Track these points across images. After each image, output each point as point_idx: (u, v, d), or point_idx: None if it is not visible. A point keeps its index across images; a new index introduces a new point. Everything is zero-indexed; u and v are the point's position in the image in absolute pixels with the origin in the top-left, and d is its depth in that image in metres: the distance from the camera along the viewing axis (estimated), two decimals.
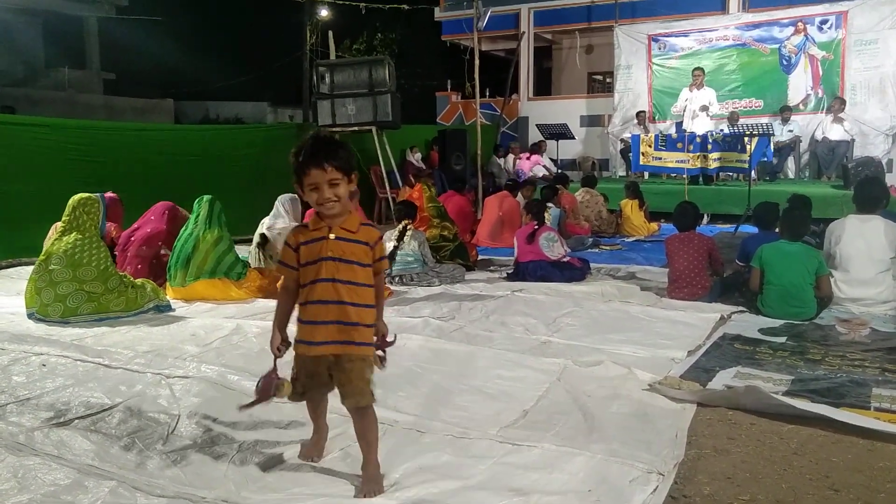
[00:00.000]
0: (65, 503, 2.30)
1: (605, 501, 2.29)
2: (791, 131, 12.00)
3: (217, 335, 4.42)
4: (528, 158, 13.73)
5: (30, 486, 2.41)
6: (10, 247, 7.00)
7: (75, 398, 3.28)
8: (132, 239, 5.81)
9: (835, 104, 11.63)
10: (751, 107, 12.83)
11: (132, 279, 5.10)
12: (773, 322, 4.61)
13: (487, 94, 15.64)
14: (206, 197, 5.65)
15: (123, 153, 8.15)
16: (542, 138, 13.76)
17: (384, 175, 10.45)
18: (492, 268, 6.99)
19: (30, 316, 4.80)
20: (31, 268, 5.02)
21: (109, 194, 6.09)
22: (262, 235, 6.23)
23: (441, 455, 2.65)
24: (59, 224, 5.00)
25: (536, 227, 6.26)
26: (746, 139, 9.62)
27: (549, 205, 7.76)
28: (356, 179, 2.42)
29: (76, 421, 3.01)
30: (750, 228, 7.94)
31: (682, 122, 12.11)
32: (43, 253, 4.89)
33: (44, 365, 3.81)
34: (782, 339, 4.24)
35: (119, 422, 3.01)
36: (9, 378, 3.58)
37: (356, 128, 10.01)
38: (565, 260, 6.21)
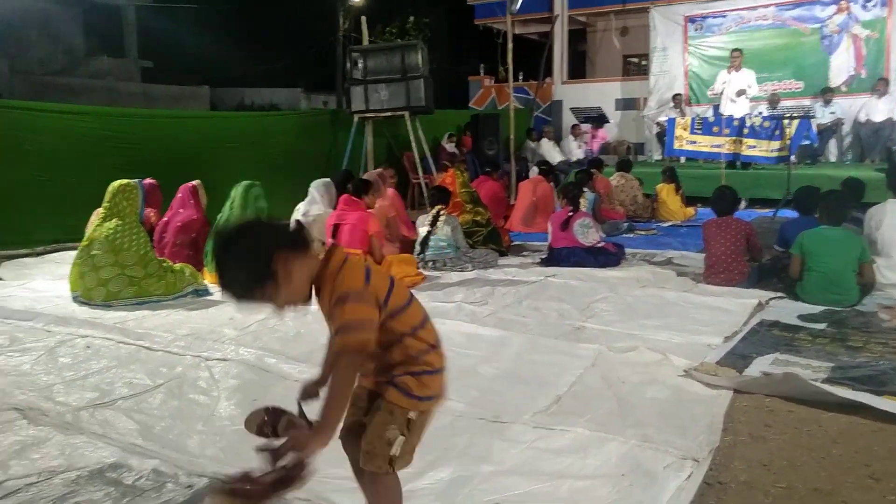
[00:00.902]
0: (110, 480, 2.38)
1: (639, 487, 2.29)
2: (833, 113, 11.68)
3: (254, 319, 4.49)
4: (593, 137, 13.47)
5: (77, 464, 2.50)
6: (53, 231, 7.19)
7: (119, 379, 3.38)
8: (168, 227, 5.89)
9: (879, 85, 11.27)
10: (791, 88, 12.51)
11: (171, 264, 5.21)
12: (813, 308, 4.53)
13: (521, 78, 15.48)
14: (243, 183, 5.72)
15: (161, 140, 8.28)
16: (577, 122, 13.62)
17: (417, 161, 10.46)
18: (525, 253, 6.97)
19: (74, 299, 4.94)
20: (73, 252, 5.16)
21: (148, 181, 6.22)
22: (298, 222, 6.30)
23: (474, 438, 2.67)
24: (100, 210, 5.12)
25: (571, 212, 6.22)
26: (786, 122, 9.39)
27: (585, 189, 7.69)
28: (286, 259, 1.64)
29: (120, 401, 3.10)
30: (789, 213, 7.78)
31: (719, 106, 11.86)
32: (85, 238, 5.02)
33: (88, 347, 3.92)
34: (822, 326, 4.16)
35: (161, 403, 3.10)
36: (55, 360, 3.70)
37: (389, 113, 10.02)
38: (600, 245, 6.16)
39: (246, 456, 2.56)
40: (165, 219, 5.97)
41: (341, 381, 1.66)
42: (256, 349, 3.78)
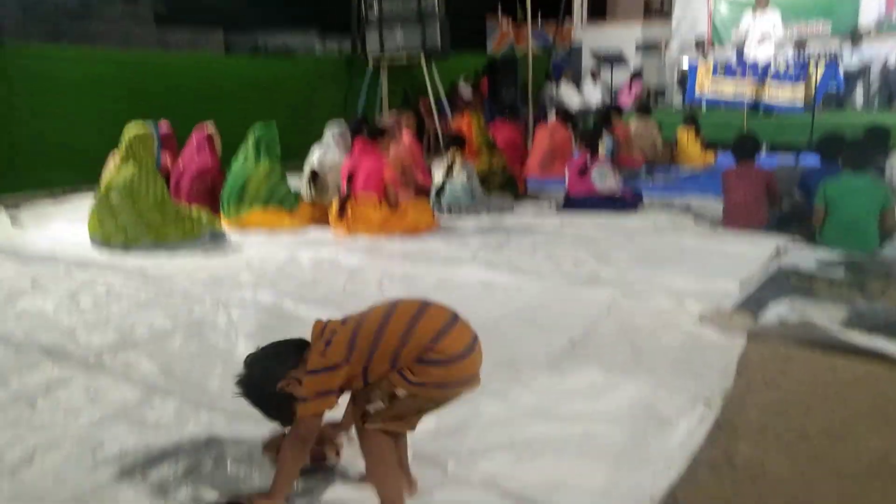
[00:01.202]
0: (134, 419, 2.44)
1: (651, 429, 2.31)
2: (861, 58, 11.32)
3: (271, 264, 4.53)
4: (629, 90, 13.17)
5: (101, 403, 2.56)
6: (71, 175, 7.23)
7: (139, 322, 3.44)
8: (183, 174, 5.89)
9: None
10: (818, 31, 12.11)
11: (188, 209, 5.24)
12: (831, 255, 4.48)
13: (540, 20, 15.12)
14: (258, 124, 5.70)
15: (175, 84, 8.25)
16: (596, 66, 13.33)
17: (433, 106, 10.33)
18: (541, 199, 6.92)
19: (93, 244, 5.00)
20: (91, 195, 5.19)
21: (163, 124, 6.20)
22: (313, 171, 6.28)
23: (489, 383, 2.69)
24: (116, 154, 5.13)
25: (590, 158, 6.14)
26: (812, 67, 9.13)
27: (604, 135, 7.58)
28: (295, 379, 1.81)
29: (141, 344, 3.16)
30: (812, 160, 7.63)
31: (742, 50, 11.52)
32: (103, 185, 5.04)
33: (108, 291, 3.98)
34: (840, 273, 4.12)
35: (181, 345, 3.15)
36: (77, 303, 3.76)
37: (404, 56, 9.85)
38: (617, 194, 6.10)
39: None
40: (180, 164, 5.97)
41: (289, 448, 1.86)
42: (274, 293, 3.82)
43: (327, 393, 1.79)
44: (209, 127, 5.97)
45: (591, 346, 3.08)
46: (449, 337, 1.76)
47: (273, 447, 2.05)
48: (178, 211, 5.11)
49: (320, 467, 2.07)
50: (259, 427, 2.34)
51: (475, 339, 1.83)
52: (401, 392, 1.74)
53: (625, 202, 6.04)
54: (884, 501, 1.93)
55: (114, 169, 5.05)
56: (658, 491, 1.97)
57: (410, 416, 1.81)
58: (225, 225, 5.51)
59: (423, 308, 1.83)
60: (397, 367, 1.75)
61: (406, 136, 6.88)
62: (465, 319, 1.86)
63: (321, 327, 1.89)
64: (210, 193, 5.87)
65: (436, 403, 1.83)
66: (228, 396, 2.62)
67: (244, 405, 2.51)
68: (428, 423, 2.32)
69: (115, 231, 4.89)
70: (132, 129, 5.07)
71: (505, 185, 6.69)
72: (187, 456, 2.18)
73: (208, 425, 2.39)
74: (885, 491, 1.98)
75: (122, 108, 7.19)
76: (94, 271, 4.34)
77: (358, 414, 1.82)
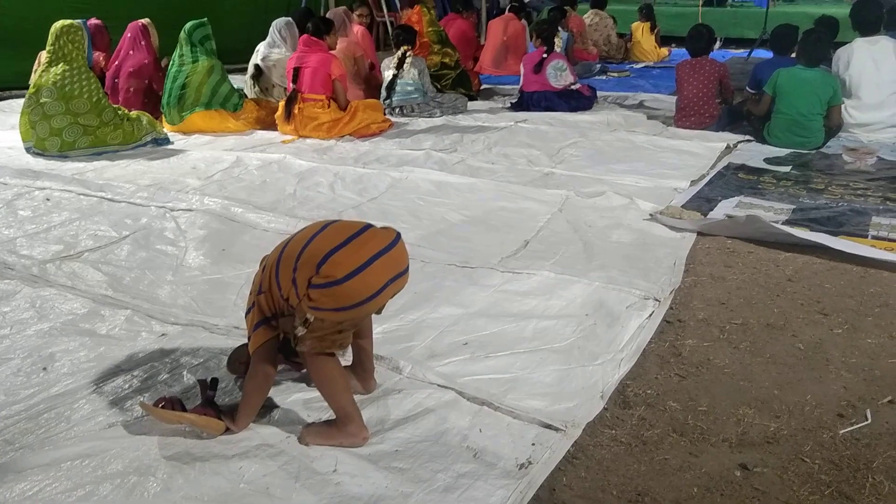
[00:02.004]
0: (83, 330, 2.40)
1: (602, 325, 2.38)
2: None
3: (218, 168, 4.40)
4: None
5: (48, 315, 2.51)
6: None
7: (82, 231, 3.33)
8: (119, 72, 5.56)
9: None
10: None
11: (127, 112, 4.99)
12: (779, 151, 4.56)
13: None
14: (186, 25, 5.35)
15: None
16: None
17: None
18: (495, 97, 6.80)
19: (27, 150, 4.75)
20: (22, 99, 4.89)
21: (92, 21, 5.80)
22: (257, 66, 6.01)
23: (443, 283, 2.72)
24: (43, 54, 4.81)
25: (545, 54, 6.00)
26: None
27: (559, 28, 7.39)
28: None
29: (86, 253, 3.08)
30: (764, 53, 7.62)
31: None
32: (32, 85, 4.74)
33: (48, 199, 3.82)
34: (787, 169, 4.21)
35: (128, 254, 3.08)
36: (15, 213, 3.61)
37: None
38: (573, 88, 6.02)
39: (217, 304, 2.60)
40: (116, 62, 5.63)
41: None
42: (222, 198, 3.72)
43: (259, 324, 1.79)
44: (144, 21, 5.61)
45: (544, 245, 3.12)
46: (336, 257, 1.67)
47: (236, 363, 2.05)
48: (117, 113, 4.86)
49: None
50: (213, 337, 2.34)
51: (381, 251, 1.71)
52: (310, 317, 1.68)
53: (580, 99, 5.98)
54: (815, 387, 2.05)
55: (42, 69, 4.73)
56: (608, 384, 2.05)
57: (332, 337, 1.73)
58: (168, 128, 5.29)
59: (322, 228, 1.77)
60: (301, 293, 1.69)
61: (357, 28, 6.59)
62: (376, 230, 1.76)
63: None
64: (148, 91, 5.57)
65: (351, 322, 1.76)
66: (181, 304, 2.60)
67: (196, 314, 2.51)
68: (384, 325, 2.35)
69: (49, 135, 4.65)
70: (59, 25, 4.73)
71: (458, 82, 6.53)
72: (141, 367, 2.16)
73: (161, 335, 2.36)
74: (817, 377, 2.10)
75: (50, 3, 6.70)
76: (31, 179, 4.15)
77: (290, 340, 1.78)
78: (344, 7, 6.72)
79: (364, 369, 2.01)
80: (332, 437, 1.80)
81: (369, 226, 1.79)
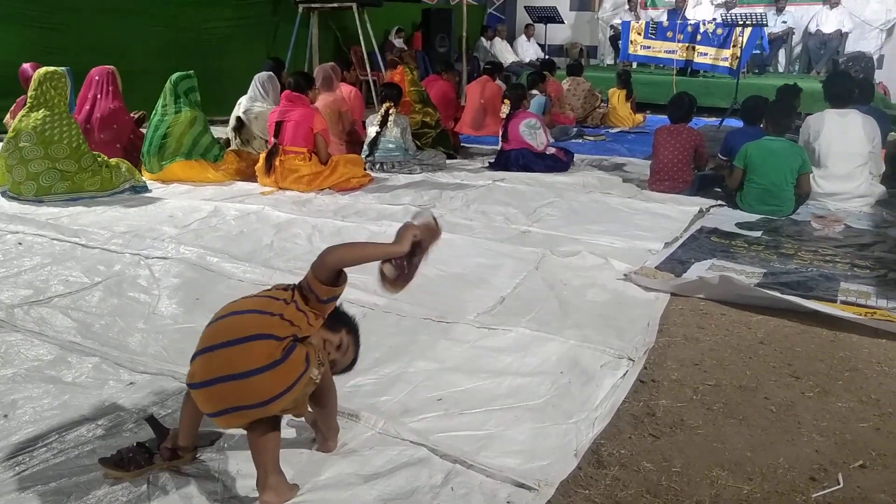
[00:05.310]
0: (49, 377, 2.34)
1: (576, 384, 2.38)
2: (785, 22, 11.67)
3: (195, 217, 4.38)
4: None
5: (13, 361, 2.44)
6: None
7: (54, 277, 3.28)
8: (90, 119, 5.51)
9: None
10: None
11: (106, 158, 4.98)
12: (750, 216, 4.67)
13: None
14: (174, 75, 5.42)
15: (83, 22, 7.73)
16: (531, 21, 13.27)
17: (365, 56, 10.08)
18: (474, 156, 6.92)
19: (2, 194, 4.71)
20: None
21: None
22: (238, 119, 6.06)
23: (419, 337, 2.71)
24: (23, 99, 4.82)
25: (511, 112, 6.14)
26: (739, 31, 9.35)
27: (534, 91, 7.58)
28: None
29: (56, 299, 3.02)
30: (735, 122, 7.87)
31: (675, 10, 11.69)
32: (11, 129, 4.73)
33: (20, 243, 3.77)
34: (758, 234, 4.31)
35: (99, 301, 3.03)
36: None
37: (335, 4, 9.55)
38: (549, 152, 6.15)
39: (188, 353, 2.54)
40: (87, 107, 5.55)
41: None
42: (198, 247, 3.70)
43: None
44: (110, 68, 5.63)
45: (520, 302, 3.13)
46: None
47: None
48: (96, 160, 4.86)
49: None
50: (182, 386, 2.28)
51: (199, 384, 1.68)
52: None
53: (556, 161, 6.09)
54: (788, 450, 2.05)
55: (22, 113, 4.73)
56: (583, 443, 2.03)
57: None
58: (146, 176, 5.28)
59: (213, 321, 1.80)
60: None
61: (349, 89, 6.71)
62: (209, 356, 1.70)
63: None
64: (119, 138, 5.53)
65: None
66: (151, 353, 2.55)
67: (166, 363, 2.46)
68: (359, 379, 2.32)
69: (25, 179, 4.61)
70: (42, 71, 4.75)
71: (438, 141, 6.63)
72: (106, 416, 2.11)
73: (129, 384, 2.31)
74: (789, 440, 2.10)
75: (26, 48, 6.75)
76: (4, 222, 4.10)
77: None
78: (332, 63, 6.84)
79: (330, 429, 1.96)
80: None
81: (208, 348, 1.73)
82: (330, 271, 1.71)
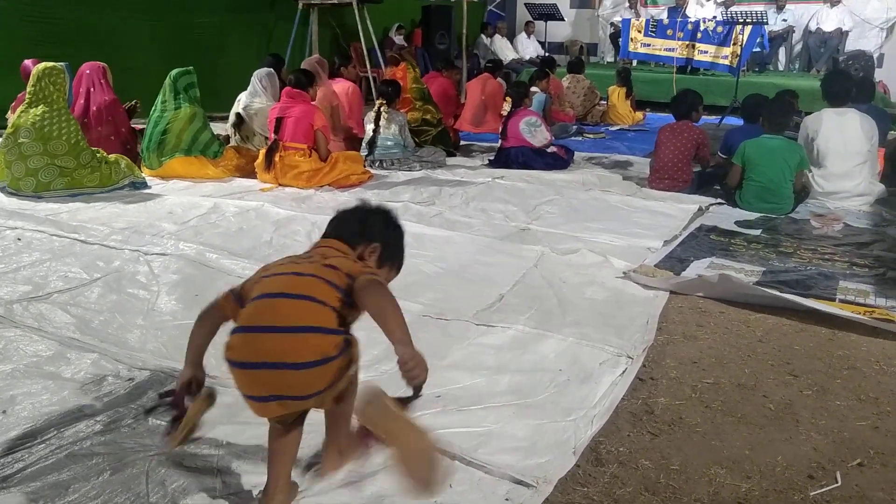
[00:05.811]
0: (48, 373, 2.34)
1: (575, 381, 2.38)
2: (785, 20, 11.66)
3: (194, 213, 4.38)
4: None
5: (12, 357, 2.44)
6: None
7: (53, 272, 3.28)
8: (87, 114, 5.49)
9: None
10: None
11: (105, 155, 4.98)
12: (750, 215, 4.67)
13: None
14: (174, 71, 5.41)
15: (77, 14, 7.69)
16: (531, 18, 13.26)
17: (365, 53, 10.07)
18: (474, 153, 6.91)
19: (1, 190, 4.71)
20: None
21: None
22: (238, 115, 6.05)
23: (418, 335, 2.69)
24: (23, 94, 4.81)
25: (513, 110, 6.14)
26: (739, 29, 9.35)
27: (534, 89, 7.57)
28: None
29: (55, 295, 3.02)
30: (735, 120, 7.87)
31: (675, 8, 11.68)
32: (10, 126, 4.72)
33: (19, 239, 3.77)
34: (757, 232, 4.31)
35: (98, 297, 3.03)
36: None
37: (335, 0, 9.54)
38: (550, 150, 6.15)
39: None
40: (82, 101, 5.52)
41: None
42: (197, 244, 3.70)
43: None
44: (102, 64, 5.62)
45: (519, 299, 3.13)
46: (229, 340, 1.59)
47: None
48: (95, 156, 4.85)
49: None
50: None
51: (252, 364, 1.57)
52: None
53: (556, 158, 6.09)
54: (786, 448, 2.05)
55: (21, 109, 4.72)
56: (581, 440, 2.04)
57: None
58: (146, 173, 5.28)
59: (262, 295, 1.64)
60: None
61: (349, 84, 6.70)
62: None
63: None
64: (116, 132, 5.52)
65: None
66: (150, 349, 2.55)
67: (165, 359, 2.46)
68: (360, 375, 2.31)
69: (25, 175, 4.61)
70: (41, 67, 4.75)
71: (438, 138, 6.63)
72: (105, 412, 2.11)
73: (128, 380, 2.31)
74: (787, 438, 2.11)
75: (20, 41, 6.73)
76: (3, 218, 4.10)
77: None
78: (317, 55, 6.79)
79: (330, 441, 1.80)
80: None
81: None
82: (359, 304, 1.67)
